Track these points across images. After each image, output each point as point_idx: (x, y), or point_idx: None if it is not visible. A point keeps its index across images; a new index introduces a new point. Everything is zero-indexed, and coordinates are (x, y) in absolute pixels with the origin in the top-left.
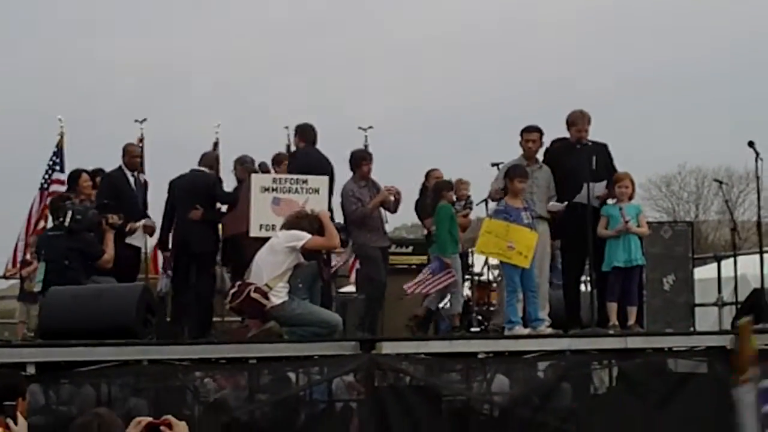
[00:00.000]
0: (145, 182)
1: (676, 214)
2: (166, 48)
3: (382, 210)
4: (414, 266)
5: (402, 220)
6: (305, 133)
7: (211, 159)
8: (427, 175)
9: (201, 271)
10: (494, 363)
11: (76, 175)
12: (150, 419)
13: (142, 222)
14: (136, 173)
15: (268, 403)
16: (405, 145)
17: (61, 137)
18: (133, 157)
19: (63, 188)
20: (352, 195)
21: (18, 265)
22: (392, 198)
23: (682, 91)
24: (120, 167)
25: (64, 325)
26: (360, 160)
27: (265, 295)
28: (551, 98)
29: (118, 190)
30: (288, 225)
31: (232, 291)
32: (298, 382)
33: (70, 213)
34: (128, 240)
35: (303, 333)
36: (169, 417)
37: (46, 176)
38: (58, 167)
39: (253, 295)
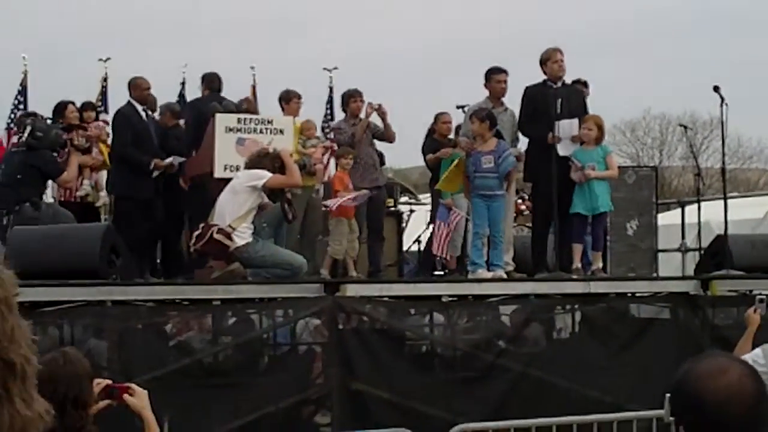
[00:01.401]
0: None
1: (640, 159)
2: None
3: (377, 147)
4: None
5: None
6: (210, 82)
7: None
8: (436, 118)
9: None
10: (458, 306)
11: (62, 106)
12: (109, 382)
13: (170, 160)
14: (146, 108)
15: (232, 345)
16: (369, 87)
17: (25, 75)
18: (144, 90)
19: None
20: (341, 130)
21: None
22: (373, 113)
23: (649, 36)
24: (129, 102)
25: (27, 265)
26: (349, 97)
27: (229, 236)
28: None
29: (132, 126)
30: (250, 164)
31: (196, 233)
32: (262, 324)
33: (29, 128)
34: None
35: (267, 275)
36: (131, 384)
37: (12, 116)
38: (22, 106)
39: (216, 236)
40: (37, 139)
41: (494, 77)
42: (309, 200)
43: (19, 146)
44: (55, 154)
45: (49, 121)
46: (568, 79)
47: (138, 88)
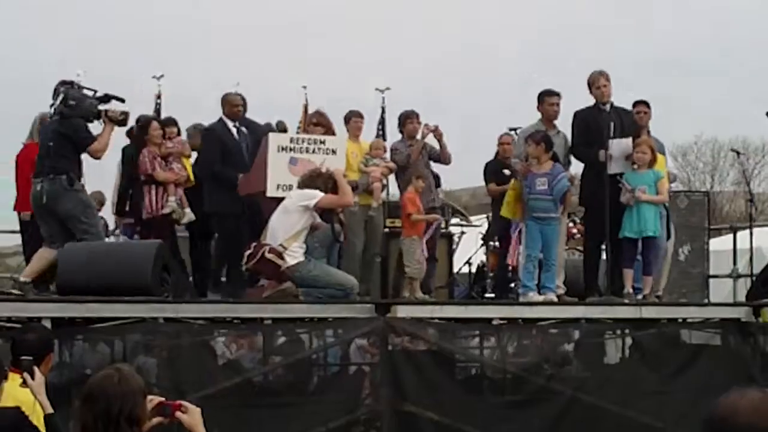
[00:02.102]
0: (247, 132)
1: (692, 184)
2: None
3: (432, 167)
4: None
5: None
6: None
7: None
8: (500, 140)
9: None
10: (508, 329)
11: (145, 123)
12: (162, 399)
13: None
14: (237, 123)
15: (282, 364)
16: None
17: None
18: (234, 106)
19: None
20: (396, 150)
21: None
22: (429, 134)
23: (700, 63)
24: (220, 119)
25: (80, 281)
26: (405, 118)
27: (281, 256)
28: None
29: (222, 143)
30: (302, 184)
31: (247, 252)
32: (312, 344)
33: (61, 96)
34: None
35: (319, 295)
36: (184, 402)
37: None
38: None
39: (268, 255)
40: (69, 107)
41: (547, 99)
42: (368, 219)
43: (53, 115)
44: (88, 124)
45: (85, 92)
46: (629, 100)
47: (229, 104)
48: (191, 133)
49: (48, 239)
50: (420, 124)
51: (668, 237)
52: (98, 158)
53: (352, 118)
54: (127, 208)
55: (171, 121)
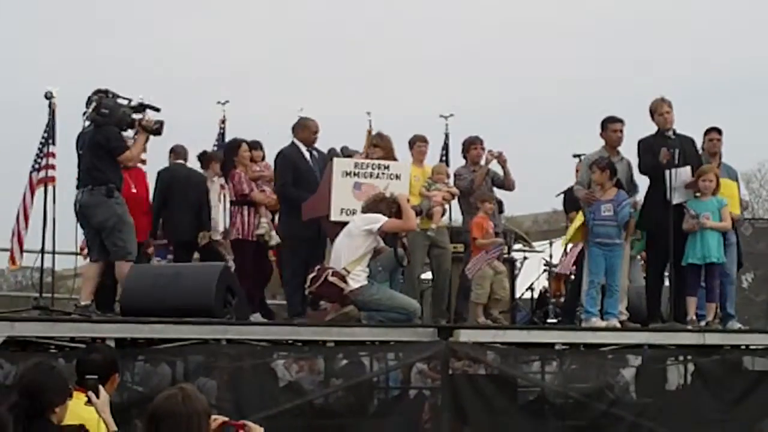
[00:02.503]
0: (322, 156)
1: (756, 212)
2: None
3: (495, 193)
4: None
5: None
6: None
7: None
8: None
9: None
10: (570, 354)
11: (235, 145)
12: (225, 419)
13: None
14: (311, 149)
15: (343, 387)
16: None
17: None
18: (312, 132)
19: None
20: (460, 175)
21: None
22: (494, 160)
23: (762, 87)
24: (292, 143)
25: (144, 302)
26: (469, 144)
27: (344, 279)
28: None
29: (296, 167)
30: (366, 208)
31: (311, 275)
32: (373, 367)
33: (94, 104)
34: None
35: (381, 318)
36: (247, 422)
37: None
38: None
39: (331, 279)
40: (102, 115)
41: (610, 126)
42: (432, 241)
43: (87, 124)
44: (122, 133)
45: (120, 100)
46: (700, 128)
47: (307, 129)
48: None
49: (88, 250)
50: (484, 150)
51: (740, 266)
52: (130, 167)
53: (417, 143)
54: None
55: (257, 145)
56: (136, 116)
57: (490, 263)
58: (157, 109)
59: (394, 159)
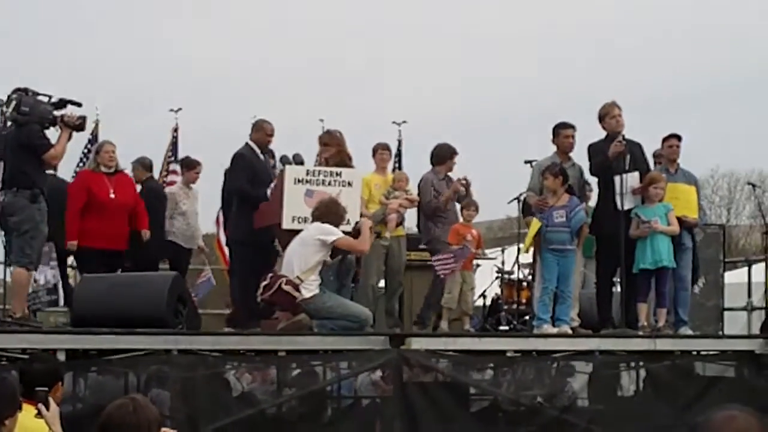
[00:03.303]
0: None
1: (708, 217)
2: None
3: (458, 208)
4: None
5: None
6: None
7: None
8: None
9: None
10: (523, 361)
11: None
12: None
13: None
14: (264, 154)
15: (295, 396)
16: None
17: (96, 125)
18: (268, 135)
19: None
20: (432, 186)
21: None
22: (463, 189)
23: (714, 95)
24: (247, 144)
25: (95, 313)
26: (448, 153)
27: (297, 288)
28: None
29: (252, 168)
30: (315, 216)
31: (263, 283)
32: (326, 376)
33: (14, 103)
34: None
35: (333, 327)
36: None
37: (81, 164)
38: (91, 155)
39: (285, 287)
40: (22, 114)
41: (562, 132)
42: (389, 251)
43: (9, 124)
44: (39, 127)
45: (40, 97)
46: (658, 136)
47: (263, 131)
48: (135, 167)
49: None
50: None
51: (696, 271)
52: (54, 166)
53: (378, 151)
54: None
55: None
56: (57, 113)
57: (456, 268)
58: (79, 104)
59: (348, 155)
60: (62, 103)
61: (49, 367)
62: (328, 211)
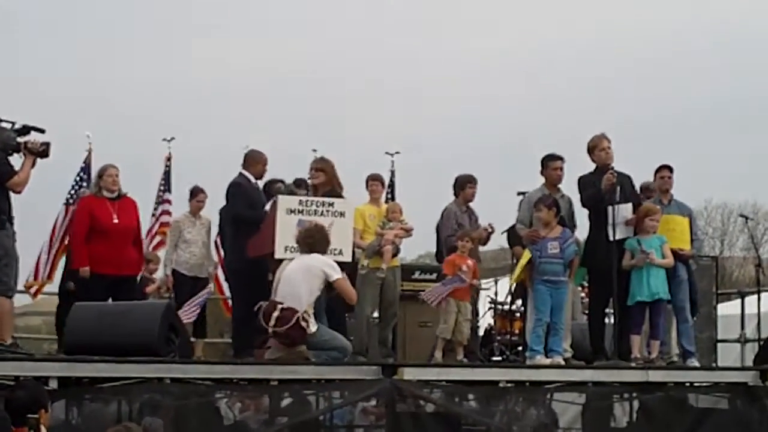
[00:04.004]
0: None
1: (701, 249)
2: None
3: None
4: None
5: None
6: None
7: None
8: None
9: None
10: (515, 392)
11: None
12: None
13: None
14: (258, 183)
15: (288, 426)
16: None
17: (89, 153)
18: (263, 165)
19: None
20: (455, 218)
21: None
22: (485, 236)
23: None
24: (242, 174)
25: (87, 341)
26: (465, 183)
27: (308, 322)
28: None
29: (249, 196)
30: (310, 242)
31: (275, 315)
32: (318, 405)
33: None
34: None
35: (326, 357)
36: None
37: (73, 192)
38: (85, 183)
39: (303, 323)
40: None
41: (550, 164)
42: (384, 281)
43: None
44: (8, 157)
45: (4, 124)
46: (650, 167)
47: (258, 162)
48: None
49: None
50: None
51: (694, 303)
52: (19, 192)
53: (371, 182)
54: None
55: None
56: (20, 139)
57: (449, 295)
58: (42, 131)
59: (338, 183)
60: (26, 130)
61: (32, 394)
62: (322, 239)
